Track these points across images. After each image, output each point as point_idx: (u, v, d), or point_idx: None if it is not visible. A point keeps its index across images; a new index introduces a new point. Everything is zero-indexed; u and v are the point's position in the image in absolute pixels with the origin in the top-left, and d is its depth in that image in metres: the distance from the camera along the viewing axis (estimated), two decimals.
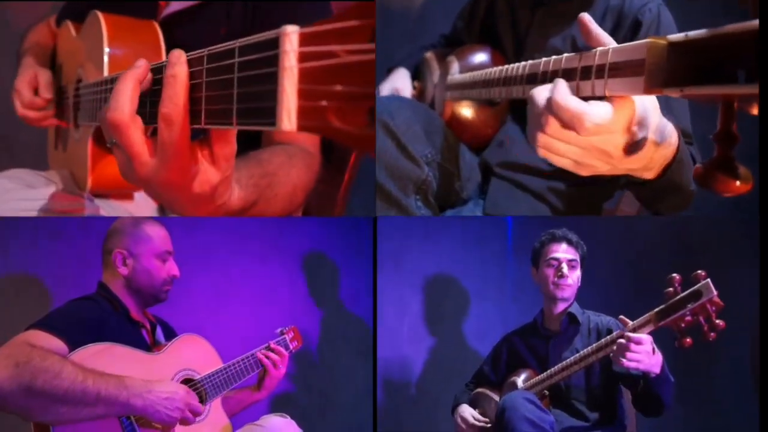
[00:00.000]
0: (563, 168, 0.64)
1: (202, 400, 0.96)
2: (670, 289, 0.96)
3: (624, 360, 0.96)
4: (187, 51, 0.57)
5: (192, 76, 0.56)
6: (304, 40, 0.42)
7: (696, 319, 0.94)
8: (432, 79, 1.27)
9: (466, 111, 1.14)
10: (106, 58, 0.93)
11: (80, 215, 0.99)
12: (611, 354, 1.00)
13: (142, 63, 0.62)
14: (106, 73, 0.92)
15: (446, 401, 1.27)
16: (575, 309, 1.18)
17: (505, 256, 1.62)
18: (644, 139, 0.61)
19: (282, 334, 1.12)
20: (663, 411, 1.02)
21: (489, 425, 1.15)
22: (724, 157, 0.48)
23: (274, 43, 0.44)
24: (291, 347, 1.12)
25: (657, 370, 0.96)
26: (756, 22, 0.42)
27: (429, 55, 1.30)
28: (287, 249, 1.53)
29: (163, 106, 0.56)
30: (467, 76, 1.07)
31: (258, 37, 0.46)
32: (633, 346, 0.95)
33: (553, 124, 0.59)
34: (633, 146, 0.61)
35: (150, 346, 0.98)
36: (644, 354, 0.95)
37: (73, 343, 0.86)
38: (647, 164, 0.65)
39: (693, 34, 0.47)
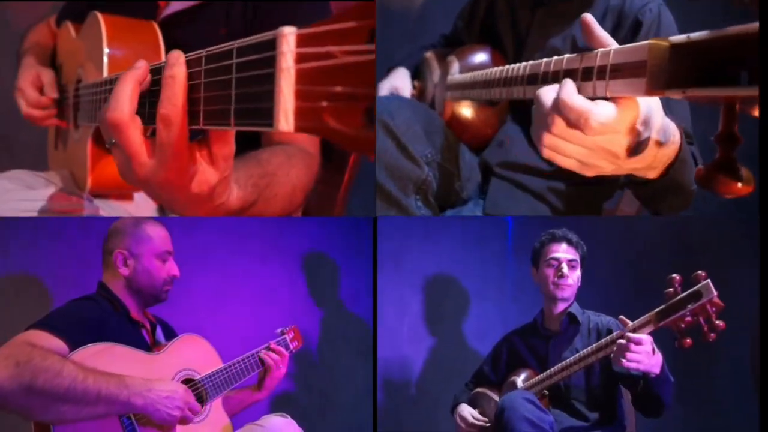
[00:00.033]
0: (568, 169, 0.64)
1: (202, 400, 0.96)
2: (670, 289, 0.96)
3: (624, 360, 0.96)
4: (186, 51, 0.57)
5: (190, 76, 0.56)
6: (302, 41, 0.42)
7: (696, 319, 0.94)
8: (432, 79, 1.27)
9: (466, 111, 1.14)
10: (105, 59, 0.93)
11: (80, 215, 0.99)
12: (611, 354, 1.00)
13: (141, 64, 0.62)
14: (105, 73, 0.93)
15: (446, 401, 1.27)
16: (575, 309, 1.18)
17: (505, 256, 1.62)
18: (648, 139, 0.61)
19: (282, 334, 1.13)
20: (663, 411, 1.02)
21: (488, 425, 1.15)
22: (726, 159, 0.49)
23: (272, 44, 0.44)
24: (291, 347, 1.13)
25: (657, 370, 0.96)
26: (758, 24, 0.42)
27: (429, 54, 1.30)
28: (287, 249, 1.53)
29: (161, 106, 0.57)
30: (467, 76, 1.07)
31: (256, 38, 0.47)
32: (633, 347, 0.95)
33: (559, 124, 0.59)
34: (637, 146, 0.61)
35: (150, 346, 0.98)
36: (644, 354, 0.95)
37: (74, 343, 0.86)
38: (651, 164, 0.65)
39: (695, 35, 0.47)
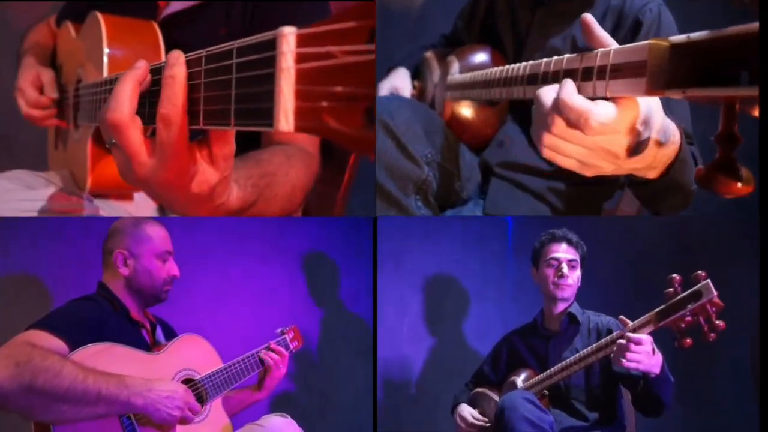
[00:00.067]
0: (569, 169, 0.64)
1: (202, 400, 0.96)
2: (670, 289, 0.96)
3: (624, 360, 0.95)
4: (186, 51, 0.57)
5: (190, 77, 0.56)
6: (302, 41, 0.42)
7: (696, 319, 0.94)
8: (432, 79, 1.27)
9: (466, 111, 1.14)
10: (105, 59, 0.93)
11: (80, 215, 0.99)
12: (611, 354, 1.00)
13: (142, 64, 0.62)
14: (105, 73, 0.93)
15: (446, 401, 1.27)
16: (575, 309, 1.18)
17: (505, 256, 1.62)
18: (648, 139, 0.61)
19: (282, 334, 1.13)
20: (663, 411, 1.02)
21: (488, 424, 1.15)
22: (726, 159, 0.48)
23: (272, 44, 0.44)
24: (291, 347, 1.13)
25: (657, 370, 0.96)
26: (758, 24, 0.42)
27: (429, 54, 1.30)
28: (287, 249, 1.53)
29: (161, 106, 0.57)
30: (467, 76, 1.07)
31: (255, 38, 0.47)
32: (633, 347, 0.95)
33: (559, 124, 0.59)
34: (637, 146, 0.61)
35: (150, 346, 0.98)
36: (644, 354, 0.95)
37: (74, 343, 0.86)
38: (651, 163, 0.65)
39: (695, 35, 0.47)
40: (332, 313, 1.55)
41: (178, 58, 0.57)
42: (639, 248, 1.53)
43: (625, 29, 1.01)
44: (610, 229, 1.47)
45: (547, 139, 0.61)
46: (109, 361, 0.86)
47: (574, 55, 0.62)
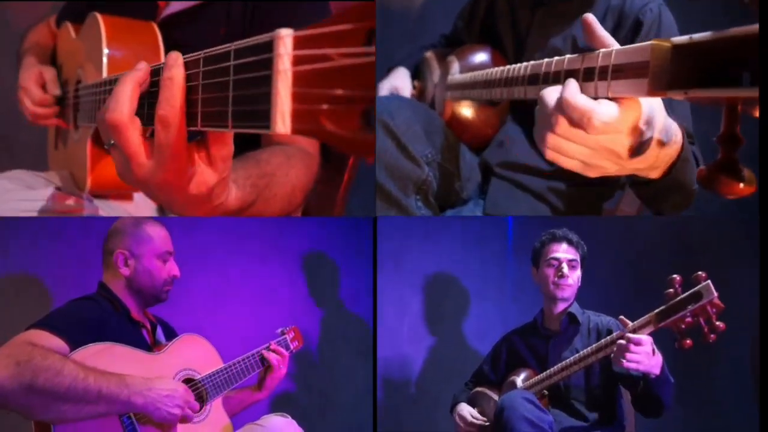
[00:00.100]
0: (572, 170, 0.64)
1: (202, 400, 0.96)
2: (671, 290, 0.96)
3: (624, 361, 0.95)
4: (186, 52, 0.57)
5: (188, 78, 0.56)
6: (299, 43, 0.42)
7: (696, 320, 0.94)
8: (432, 79, 1.27)
9: (467, 111, 1.14)
10: (105, 59, 0.93)
11: (80, 215, 0.99)
12: (611, 354, 1.00)
13: (143, 66, 0.62)
14: (105, 74, 0.93)
15: (446, 400, 1.27)
16: (575, 309, 1.17)
17: (505, 256, 1.62)
18: (650, 139, 0.61)
19: (283, 334, 1.13)
20: (663, 412, 1.02)
21: (487, 424, 1.15)
22: (728, 160, 0.48)
23: (269, 47, 0.44)
24: (291, 347, 1.13)
25: (657, 371, 0.96)
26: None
27: (429, 54, 1.29)
28: (287, 249, 1.53)
29: (159, 108, 0.57)
30: (468, 76, 1.06)
31: (253, 40, 0.47)
32: (633, 347, 0.95)
33: (562, 124, 0.59)
34: (639, 146, 0.61)
35: (150, 346, 0.98)
36: (644, 355, 0.95)
37: (74, 343, 0.86)
38: (653, 164, 0.65)
39: (697, 36, 0.47)
40: (332, 313, 1.55)
41: (177, 59, 0.57)
42: (639, 248, 1.53)
43: (625, 29, 1.01)
44: (610, 229, 1.47)
45: (551, 139, 0.61)
46: (110, 361, 0.86)
47: (576, 55, 0.62)
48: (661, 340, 0.97)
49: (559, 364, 1.08)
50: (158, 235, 1.01)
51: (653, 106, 0.60)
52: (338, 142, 0.39)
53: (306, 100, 0.41)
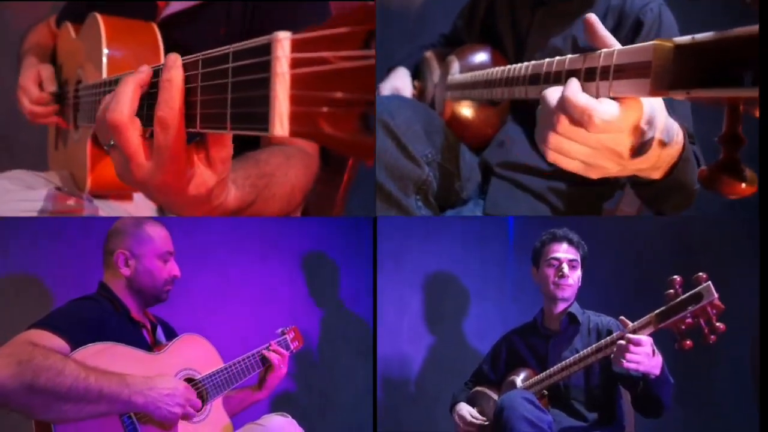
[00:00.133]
0: (573, 171, 0.64)
1: (203, 400, 0.96)
2: (671, 290, 0.96)
3: (624, 361, 0.95)
4: (186, 52, 0.57)
5: (187, 80, 0.56)
6: (296, 46, 0.42)
7: (696, 321, 0.93)
8: (432, 79, 1.26)
9: (467, 111, 1.14)
10: (104, 60, 0.93)
11: (80, 215, 0.99)
12: (611, 355, 1.00)
13: (145, 68, 0.62)
14: (104, 74, 0.93)
15: (446, 400, 1.28)
16: (575, 309, 1.17)
17: (506, 255, 1.62)
18: (652, 139, 0.61)
19: (283, 334, 1.13)
20: (662, 412, 1.02)
21: (487, 423, 1.15)
22: (730, 160, 0.48)
23: (267, 49, 0.44)
24: (292, 347, 1.13)
25: (657, 371, 0.96)
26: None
27: (429, 54, 1.29)
28: (287, 249, 1.53)
29: (158, 109, 0.57)
30: (468, 75, 1.06)
31: (251, 43, 0.47)
32: (633, 348, 0.95)
33: (564, 123, 0.59)
34: (641, 146, 0.61)
35: (151, 346, 0.98)
36: (644, 355, 0.95)
37: (75, 343, 0.86)
38: (655, 164, 0.65)
39: (699, 36, 0.46)
40: (332, 313, 1.55)
41: (176, 61, 0.57)
42: (639, 248, 1.53)
43: (626, 29, 1.00)
44: (610, 229, 1.46)
45: (552, 138, 0.61)
46: (111, 361, 0.87)
47: (578, 55, 0.61)
48: (661, 340, 0.97)
49: (559, 364, 1.08)
50: (159, 235, 1.01)
51: (654, 106, 0.60)
52: (337, 145, 0.39)
53: (304, 102, 0.41)
